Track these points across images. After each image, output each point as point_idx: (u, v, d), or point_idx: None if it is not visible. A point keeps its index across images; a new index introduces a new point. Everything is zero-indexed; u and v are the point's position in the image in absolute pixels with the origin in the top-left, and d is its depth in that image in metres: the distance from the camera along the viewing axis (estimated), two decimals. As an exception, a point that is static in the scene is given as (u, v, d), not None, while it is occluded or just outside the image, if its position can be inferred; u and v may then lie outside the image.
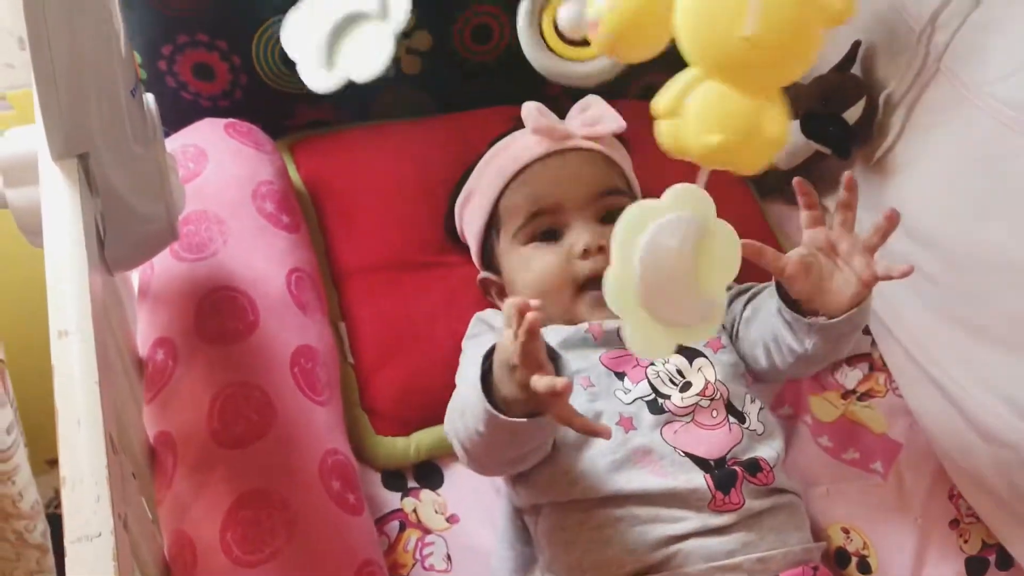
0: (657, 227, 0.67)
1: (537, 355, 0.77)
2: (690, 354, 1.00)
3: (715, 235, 0.70)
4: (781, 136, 0.64)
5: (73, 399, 0.65)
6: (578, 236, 1.02)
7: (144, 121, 0.84)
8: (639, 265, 0.66)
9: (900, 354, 1.19)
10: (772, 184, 1.34)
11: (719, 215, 1.15)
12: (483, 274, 1.11)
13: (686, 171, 1.24)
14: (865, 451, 1.13)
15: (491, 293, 1.11)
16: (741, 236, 1.23)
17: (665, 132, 0.64)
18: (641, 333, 0.68)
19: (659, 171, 1.11)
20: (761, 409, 1.00)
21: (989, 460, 1.05)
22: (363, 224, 1.17)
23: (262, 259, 1.02)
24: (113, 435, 0.67)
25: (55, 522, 1.31)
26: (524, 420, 0.80)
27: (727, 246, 0.71)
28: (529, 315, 0.75)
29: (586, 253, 1.01)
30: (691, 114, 0.63)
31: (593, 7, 0.69)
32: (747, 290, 1.08)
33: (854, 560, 1.04)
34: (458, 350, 1.06)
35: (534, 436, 0.85)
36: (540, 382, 0.75)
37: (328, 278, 1.15)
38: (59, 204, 0.76)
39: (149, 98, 0.87)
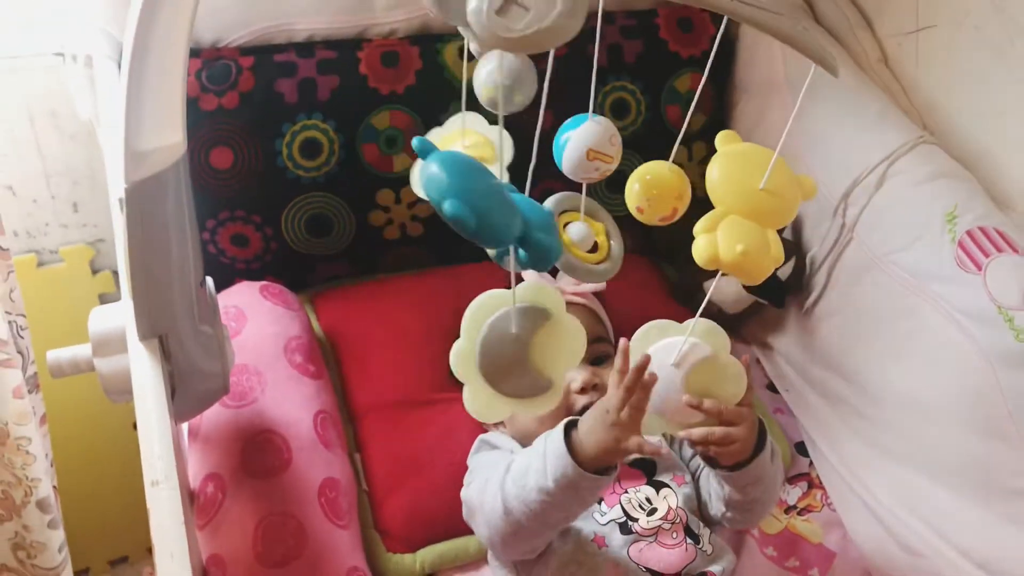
0: (499, 314, 0.89)
1: (641, 413, 0.96)
2: (658, 485, 1.20)
3: (563, 325, 0.90)
4: (780, 255, 0.85)
5: (166, 537, 0.85)
6: (576, 374, 1.23)
7: (208, 305, 1.06)
8: (480, 343, 0.87)
9: (833, 474, 1.39)
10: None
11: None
12: None
13: (650, 307, 1.45)
14: (804, 559, 1.33)
15: (488, 423, 1.31)
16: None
17: (702, 246, 0.83)
18: (478, 397, 0.88)
19: (627, 316, 1.35)
20: (712, 533, 1.20)
21: (906, 567, 1.25)
22: (375, 367, 1.38)
23: (294, 405, 1.23)
24: (195, 565, 0.87)
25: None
26: (602, 476, 0.99)
27: (573, 337, 0.91)
28: (648, 374, 0.95)
29: (583, 389, 1.21)
30: (723, 231, 0.83)
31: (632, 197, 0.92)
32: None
33: (792, 656, 1.23)
34: (456, 475, 1.25)
35: (594, 495, 1.03)
36: (647, 447, 0.96)
37: (345, 415, 1.36)
38: (145, 374, 0.97)
39: (210, 284, 1.09)
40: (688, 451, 1.26)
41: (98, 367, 1.06)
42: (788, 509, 1.38)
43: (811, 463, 1.44)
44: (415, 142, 0.73)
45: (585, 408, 1.19)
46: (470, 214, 0.71)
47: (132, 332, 1.01)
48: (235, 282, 1.40)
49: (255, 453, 1.15)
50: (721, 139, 0.87)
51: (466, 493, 1.17)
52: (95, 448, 1.76)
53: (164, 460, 0.90)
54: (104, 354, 1.06)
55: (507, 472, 1.07)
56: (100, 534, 1.86)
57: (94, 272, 1.68)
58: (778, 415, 1.49)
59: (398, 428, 1.33)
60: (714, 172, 0.84)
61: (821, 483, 1.42)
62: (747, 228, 0.82)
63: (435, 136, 0.92)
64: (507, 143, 0.94)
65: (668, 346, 1.02)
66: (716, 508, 1.19)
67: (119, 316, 1.06)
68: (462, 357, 0.88)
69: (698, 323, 1.02)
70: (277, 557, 1.07)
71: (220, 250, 1.42)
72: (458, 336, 1.34)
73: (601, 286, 1.32)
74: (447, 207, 0.71)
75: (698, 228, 0.85)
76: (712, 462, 1.11)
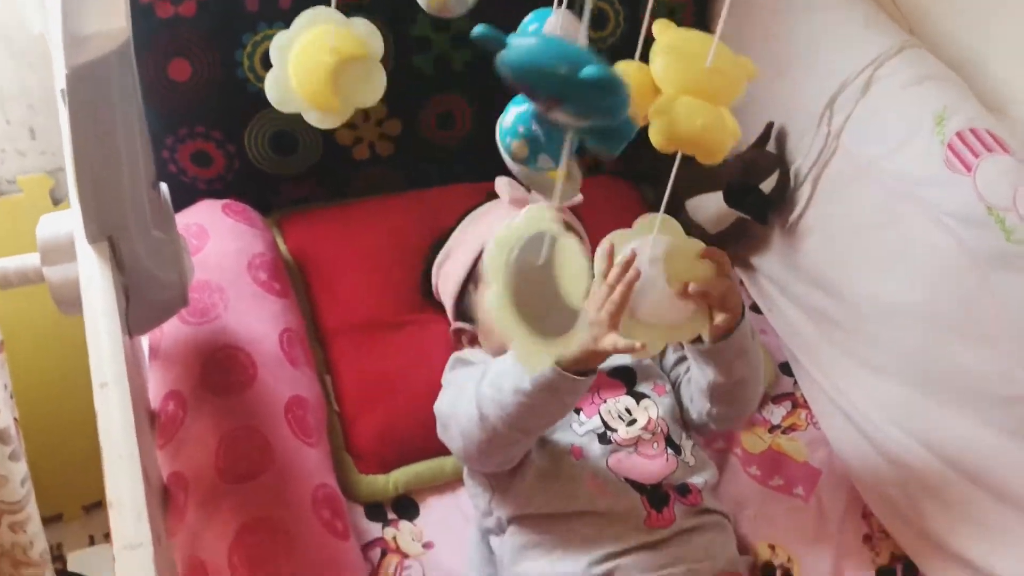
0: (521, 246, 0.79)
1: (620, 310, 0.93)
2: (638, 396, 1.16)
3: (566, 250, 0.81)
4: (737, 130, 0.81)
5: (115, 439, 0.80)
6: None
7: (161, 209, 1.01)
8: (512, 283, 0.78)
9: (818, 392, 1.36)
10: (704, 246, 1.51)
11: None
12: (457, 324, 1.27)
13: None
14: (789, 478, 1.29)
15: (462, 341, 1.27)
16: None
17: (659, 127, 0.79)
18: (523, 348, 0.79)
19: (602, 231, 1.30)
20: (694, 445, 1.16)
21: (892, 479, 1.22)
22: (344, 289, 1.34)
23: (257, 321, 1.18)
24: (148, 469, 0.82)
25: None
26: (583, 378, 0.95)
27: (577, 258, 0.81)
28: (632, 272, 0.92)
29: None
30: (677, 111, 0.80)
31: None
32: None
33: (779, 571, 1.19)
34: (428, 396, 1.21)
35: (572, 398, 0.99)
36: (621, 343, 0.92)
37: (314, 337, 1.31)
38: (95, 279, 0.92)
39: (164, 188, 1.04)
40: (670, 359, 1.22)
41: (47, 275, 1.01)
42: (772, 429, 1.35)
43: (795, 382, 1.40)
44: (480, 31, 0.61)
45: None
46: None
47: (80, 235, 0.95)
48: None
49: (217, 370, 1.10)
50: (658, 27, 0.83)
51: (439, 405, 1.13)
52: (63, 392, 1.71)
53: (113, 361, 0.85)
54: (53, 262, 1.01)
55: (483, 378, 1.04)
56: (73, 479, 1.81)
57: (55, 203, 1.62)
58: (762, 335, 1.45)
59: (369, 350, 1.29)
60: (658, 59, 0.81)
61: (806, 402, 1.38)
62: (701, 105, 0.81)
63: (286, 37, 0.88)
64: (375, 38, 0.90)
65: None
66: (700, 407, 1.15)
67: (68, 223, 1.01)
68: (500, 305, 0.77)
69: (649, 219, 0.98)
70: (241, 472, 1.02)
71: (181, 169, 1.36)
72: (434, 250, 1.31)
73: (577, 199, 1.27)
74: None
75: (652, 112, 0.81)
76: (697, 341, 1.07)
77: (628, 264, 0.95)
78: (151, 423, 1.11)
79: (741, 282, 1.52)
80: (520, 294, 0.77)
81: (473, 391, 1.03)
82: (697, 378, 1.14)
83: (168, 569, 0.94)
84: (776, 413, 1.37)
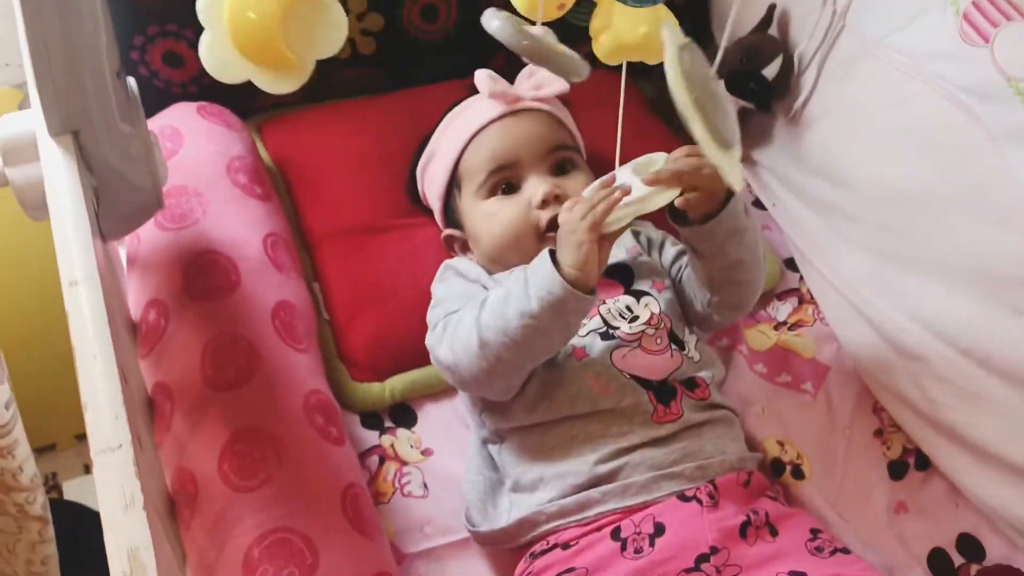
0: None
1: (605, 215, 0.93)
2: (637, 294, 1.11)
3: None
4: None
5: (87, 338, 0.75)
6: (536, 187, 1.13)
7: (129, 102, 0.94)
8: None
9: (825, 286, 1.31)
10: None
11: None
12: (447, 231, 1.22)
13: (623, 129, 1.35)
14: (796, 374, 1.25)
15: (454, 248, 1.22)
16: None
17: (603, 43, 0.79)
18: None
19: (600, 129, 1.24)
20: (698, 340, 1.12)
21: (905, 374, 1.18)
22: (329, 194, 1.27)
23: (240, 225, 1.12)
24: (124, 369, 0.77)
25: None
26: (590, 296, 0.93)
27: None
28: (618, 192, 0.93)
29: (544, 203, 1.11)
30: (618, 24, 0.84)
31: None
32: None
33: (788, 468, 1.16)
34: (422, 302, 1.16)
35: (578, 317, 0.96)
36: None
37: (300, 244, 1.25)
38: (60, 175, 0.86)
39: (131, 81, 0.97)
40: (669, 254, 1.17)
41: (10, 178, 0.95)
42: (778, 325, 1.30)
43: (800, 278, 1.35)
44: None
45: (551, 223, 1.10)
46: None
47: (43, 133, 0.89)
48: (171, 108, 1.27)
49: (199, 275, 1.05)
50: None
51: (431, 339, 1.08)
52: (49, 320, 1.65)
53: (82, 259, 0.80)
54: (16, 162, 0.95)
55: (482, 307, 1.00)
56: (64, 408, 1.76)
57: (23, 118, 1.54)
58: (765, 232, 1.40)
59: (357, 255, 1.23)
60: None
61: (812, 297, 1.33)
62: (640, 13, 0.84)
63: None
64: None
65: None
66: (701, 298, 1.11)
67: (31, 122, 0.94)
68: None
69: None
70: (228, 379, 0.98)
71: (152, 71, 1.29)
72: (419, 152, 1.25)
73: (564, 88, 1.20)
74: None
75: (594, 28, 0.88)
76: (685, 220, 1.03)
77: (609, 182, 0.96)
78: (132, 333, 1.06)
79: (747, 183, 1.45)
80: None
81: (473, 320, 0.99)
82: (694, 265, 1.09)
83: (154, 475, 0.90)
84: (782, 310, 1.32)
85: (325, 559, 0.89)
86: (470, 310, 1.01)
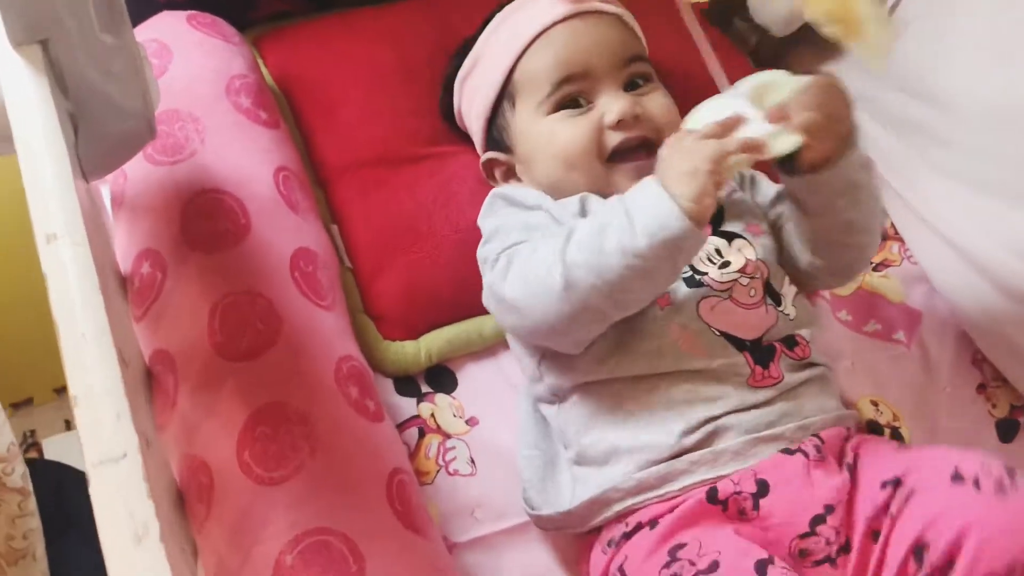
0: None
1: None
2: (728, 236, 0.94)
3: None
4: None
5: (73, 310, 0.58)
6: (611, 104, 0.95)
7: (110, 5, 0.75)
8: None
9: (912, 220, 1.15)
10: (767, 55, 1.27)
11: (712, 84, 1.11)
12: (488, 154, 1.04)
13: (679, 42, 1.17)
14: (886, 322, 1.10)
15: (494, 176, 1.04)
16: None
17: None
18: None
19: (658, 41, 1.06)
20: (797, 294, 0.95)
21: (1008, 316, 1.03)
22: (344, 119, 1.09)
23: (245, 157, 0.94)
24: (121, 347, 0.60)
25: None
26: (703, 230, 0.79)
27: None
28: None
29: (621, 123, 0.94)
30: None
31: None
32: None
33: (887, 432, 1.01)
34: (462, 244, 1.00)
35: (687, 258, 0.83)
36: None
37: (314, 180, 1.07)
38: (27, 97, 0.67)
39: (111, -22, 0.77)
40: (768, 193, 1.00)
41: (-36, 101, 0.76)
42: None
43: (884, 210, 1.19)
44: None
45: (622, 147, 0.93)
46: None
47: (3, 41, 0.70)
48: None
49: (201, 219, 0.87)
50: None
51: (490, 275, 0.91)
52: (19, 263, 1.48)
53: (61, 205, 0.62)
54: (-30, 82, 0.75)
55: (568, 240, 0.83)
56: (40, 359, 1.60)
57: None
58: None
59: (382, 192, 1.05)
60: None
61: (897, 232, 1.17)
62: None
63: None
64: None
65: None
66: (804, 258, 0.94)
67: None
68: None
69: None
70: (243, 347, 0.81)
71: (129, -25, 1.08)
72: (457, 61, 1.07)
73: None
74: None
75: None
76: (791, 167, 0.89)
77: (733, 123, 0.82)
78: (122, 289, 0.88)
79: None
80: None
81: (557, 254, 0.82)
82: (797, 221, 0.93)
83: (163, 478, 0.73)
84: (864, 247, 1.16)
85: (372, 566, 0.73)
86: (547, 243, 0.85)
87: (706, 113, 0.87)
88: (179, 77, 0.96)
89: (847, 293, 1.12)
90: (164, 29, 1.01)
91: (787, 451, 0.83)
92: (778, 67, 1.27)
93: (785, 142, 0.82)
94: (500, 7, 1.04)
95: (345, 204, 1.05)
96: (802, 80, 0.87)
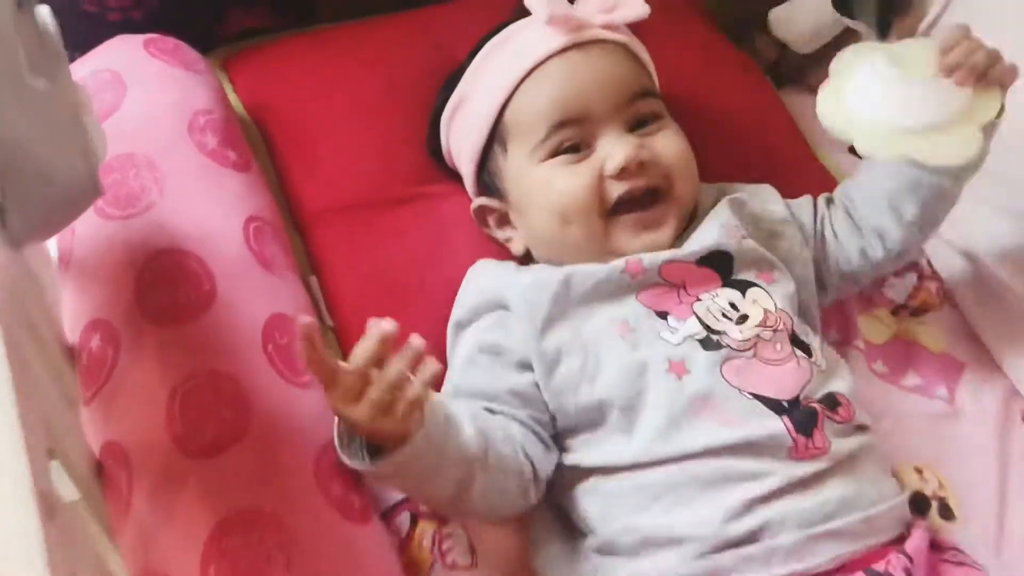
0: None
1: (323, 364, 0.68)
2: (741, 286, 0.84)
3: None
4: None
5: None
6: (613, 150, 0.84)
7: (41, 43, 0.63)
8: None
9: (953, 258, 1.04)
10: (787, 72, 1.16)
11: (732, 105, 1.11)
12: (479, 200, 0.93)
13: (696, 62, 1.06)
14: (926, 375, 0.99)
15: (488, 223, 0.93)
16: (760, 127, 1.06)
17: None
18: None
19: (672, 61, 0.95)
20: (823, 343, 0.86)
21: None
22: (324, 154, 0.97)
23: (211, 209, 0.82)
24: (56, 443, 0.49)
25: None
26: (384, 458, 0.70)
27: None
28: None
29: (624, 172, 0.83)
30: None
31: None
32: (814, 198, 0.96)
33: (934, 504, 0.91)
34: (454, 299, 0.89)
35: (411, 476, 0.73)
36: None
37: (290, 224, 0.95)
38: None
39: (44, 12, 0.66)
40: (805, 212, 0.93)
41: None
42: (897, 309, 1.04)
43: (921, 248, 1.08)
44: None
45: (625, 198, 0.83)
46: None
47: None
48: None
49: (159, 285, 0.75)
50: None
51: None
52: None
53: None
54: None
55: None
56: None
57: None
58: (868, 188, 1.12)
59: (366, 237, 0.94)
60: None
61: (935, 271, 1.06)
62: None
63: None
64: None
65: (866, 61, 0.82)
66: (881, 224, 0.90)
67: None
68: None
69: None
70: (207, 440, 0.69)
71: (80, -8, 0.96)
72: (444, 96, 0.96)
73: (643, 11, 0.90)
74: None
75: None
76: None
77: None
78: (70, 363, 0.77)
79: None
80: None
81: None
82: (897, 206, 0.88)
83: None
84: (899, 287, 1.05)
85: None
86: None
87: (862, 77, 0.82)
88: (134, 115, 0.84)
89: (881, 341, 1.01)
90: (117, 57, 0.89)
91: (872, 573, 0.73)
92: (799, 82, 1.18)
93: (988, 105, 0.80)
94: (486, 38, 0.92)
95: (326, 252, 0.93)
96: (927, 41, 0.84)
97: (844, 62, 0.84)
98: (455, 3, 1.09)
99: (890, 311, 1.03)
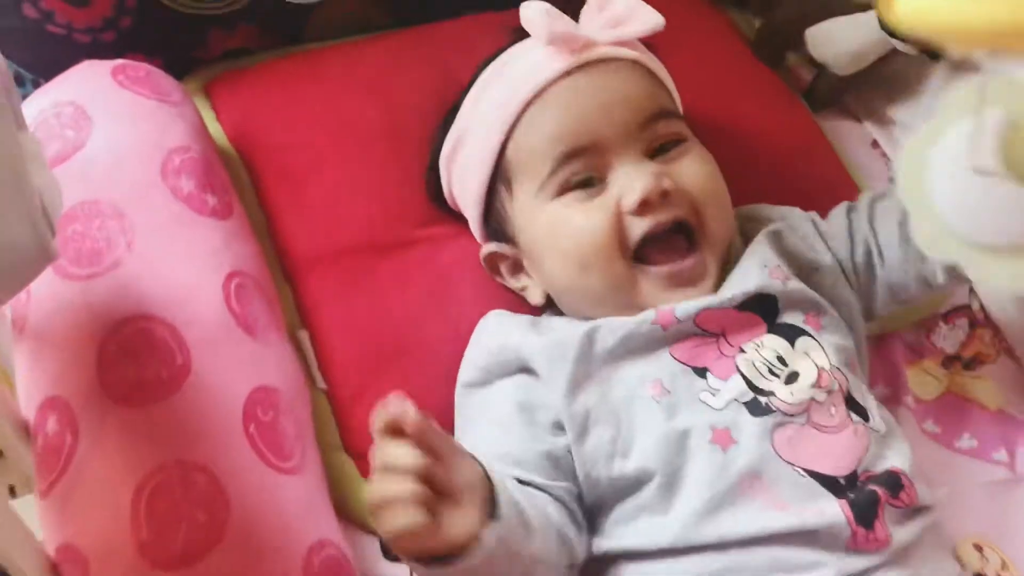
0: None
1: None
2: (789, 333, 0.74)
3: None
4: None
5: None
6: (631, 181, 0.74)
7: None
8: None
9: (1008, 301, 0.95)
10: (826, 95, 1.06)
11: (764, 129, 0.98)
12: (489, 247, 0.83)
13: (724, 81, 0.96)
14: (983, 436, 0.90)
15: (501, 272, 0.84)
16: (797, 153, 0.95)
17: None
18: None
19: (684, 81, 0.85)
20: (878, 404, 0.76)
21: None
22: (316, 192, 0.87)
23: (187, 265, 0.72)
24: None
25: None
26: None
27: None
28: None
29: (645, 205, 0.73)
30: None
31: None
32: (854, 206, 0.85)
33: (997, 587, 0.82)
34: (459, 356, 0.79)
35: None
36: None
37: (278, 271, 0.85)
38: None
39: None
40: (841, 245, 0.82)
41: None
42: (948, 361, 0.94)
43: (971, 290, 0.98)
44: None
45: (648, 237, 0.73)
46: None
47: None
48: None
49: (124, 359, 0.66)
50: None
51: None
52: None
53: None
54: None
55: None
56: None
57: None
58: (914, 223, 1.03)
59: (364, 287, 0.84)
60: None
61: (988, 317, 0.97)
62: None
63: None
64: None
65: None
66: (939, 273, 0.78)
67: None
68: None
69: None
70: (177, 548, 0.60)
71: (43, 12, 0.86)
72: (442, 133, 0.87)
73: (656, 23, 0.80)
74: None
75: None
76: None
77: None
78: (24, 441, 0.67)
79: (883, 154, 1.07)
80: None
81: None
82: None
83: None
84: (950, 337, 0.96)
85: None
86: None
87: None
88: (100, 156, 0.74)
89: (932, 397, 0.92)
90: (82, 88, 0.79)
91: None
92: (839, 106, 1.08)
93: None
94: (487, 61, 0.83)
95: (318, 305, 0.84)
96: None
97: (951, 107, 0.61)
98: (462, 19, 0.99)
99: (940, 363, 0.94)
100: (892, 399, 0.91)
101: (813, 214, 0.85)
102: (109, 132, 0.76)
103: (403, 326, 0.83)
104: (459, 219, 0.87)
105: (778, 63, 1.06)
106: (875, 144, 1.07)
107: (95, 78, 0.80)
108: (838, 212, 0.85)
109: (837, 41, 0.98)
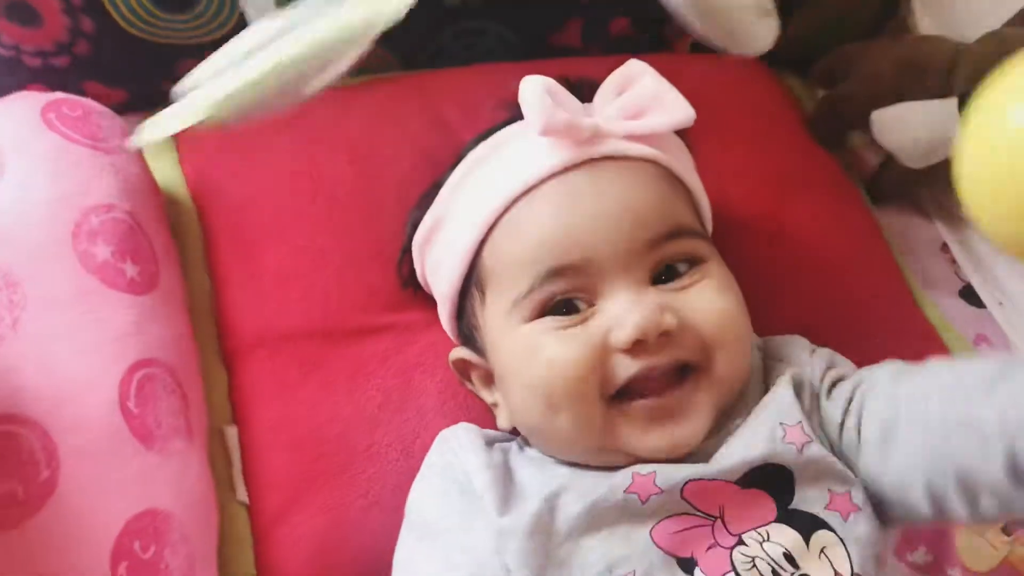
0: None
1: None
2: (804, 524, 0.58)
3: None
4: None
5: None
6: (624, 312, 0.59)
7: None
8: None
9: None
10: (892, 188, 0.91)
11: (813, 228, 0.83)
12: (458, 352, 0.70)
13: (767, 161, 0.82)
14: (1044, 624, 0.74)
15: (471, 380, 0.70)
16: (850, 254, 0.81)
17: None
18: None
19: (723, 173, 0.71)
20: None
21: None
22: (271, 259, 0.75)
23: (81, 353, 0.60)
24: None
25: None
26: None
27: None
28: None
29: (638, 344, 0.59)
30: None
31: None
32: (843, 376, 0.65)
33: None
34: (414, 474, 0.66)
35: None
36: None
37: (214, 354, 0.73)
38: None
39: None
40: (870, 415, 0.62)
41: None
42: (1009, 526, 0.78)
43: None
44: None
45: (633, 381, 0.58)
46: None
47: None
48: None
49: (-23, 469, 0.54)
50: None
51: None
52: None
53: None
54: None
55: None
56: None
57: None
58: (983, 345, 0.86)
59: (310, 381, 0.71)
60: None
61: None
62: None
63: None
64: None
65: None
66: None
67: None
68: None
69: None
70: None
71: (-15, 32, 0.76)
72: (416, 215, 0.73)
73: (685, 117, 0.65)
74: None
75: None
76: None
77: None
78: None
79: (944, 247, 0.92)
80: None
81: None
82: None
83: None
84: (1015, 495, 0.80)
85: None
86: None
87: None
88: (3, 209, 0.63)
89: (987, 568, 0.76)
90: (3, 124, 0.68)
91: None
92: (904, 201, 0.93)
93: None
94: (477, 140, 0.68)
95: (254, 398, 0.71)
96: None
97: None
98: (471, 67, 0.86)
99: (1002, 528, 0.78)
100: (934, 568, 0.75)
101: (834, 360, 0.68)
102: (20, 181, 0.65)
103: (350, 432, 0.70)
104: (435, 305, 0.74)
105: (838, 145, 0.91)
106: (944, 248, 0.91)
107: (21, 113, 0.69)
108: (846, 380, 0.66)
109: (908, 128, 0.83)
